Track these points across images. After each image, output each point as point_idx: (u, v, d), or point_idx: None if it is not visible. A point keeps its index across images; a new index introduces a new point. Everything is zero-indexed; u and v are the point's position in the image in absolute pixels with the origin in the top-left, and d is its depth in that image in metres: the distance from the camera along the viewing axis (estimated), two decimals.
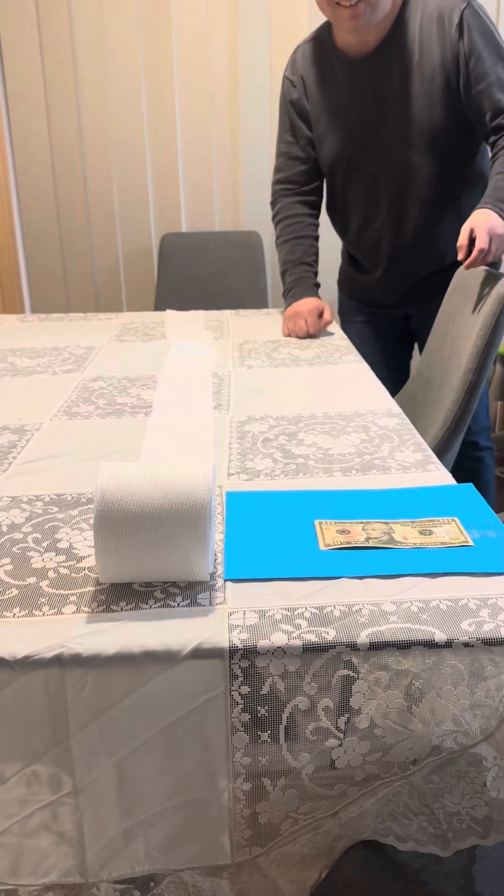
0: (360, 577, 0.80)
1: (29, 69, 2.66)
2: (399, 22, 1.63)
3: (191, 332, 1.93)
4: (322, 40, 1.75)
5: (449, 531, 0.88)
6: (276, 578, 0.81)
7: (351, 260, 1.96)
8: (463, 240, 1.46)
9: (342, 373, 1.54)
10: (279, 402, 1.35)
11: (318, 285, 1.90)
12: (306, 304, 1.82)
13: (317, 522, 0.91)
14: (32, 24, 2.61)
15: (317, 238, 1.91)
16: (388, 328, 1.96)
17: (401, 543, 0.86)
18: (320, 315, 1.81)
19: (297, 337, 1.82)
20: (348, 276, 2.00)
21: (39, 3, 2.59)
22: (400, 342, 2.00)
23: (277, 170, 1.91)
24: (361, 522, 0.91)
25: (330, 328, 1.92)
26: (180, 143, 2.76)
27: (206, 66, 2.67)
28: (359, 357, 1.66)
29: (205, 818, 0.73)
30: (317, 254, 1.91)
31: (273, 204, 1.94)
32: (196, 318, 2.08)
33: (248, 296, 2.79)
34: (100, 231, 2.86)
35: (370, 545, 0.86)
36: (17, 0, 2.59)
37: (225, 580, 0.81)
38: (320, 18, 2.64)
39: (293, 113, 1.82)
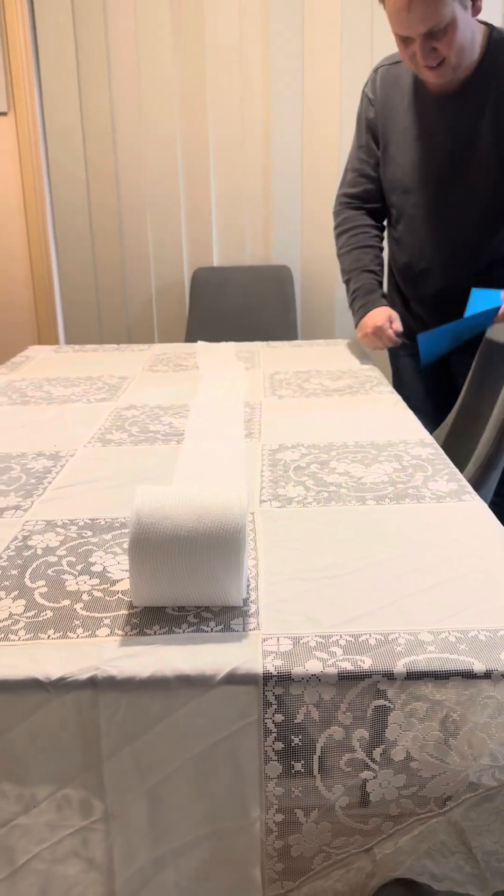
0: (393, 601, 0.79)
1: (67, 107, 2.75)
2: (486, 60, 1.58)
3: (222, 362, 1.94)
4: (406, 68, 1.69)
5: None
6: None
7: (398, 289, 1.92)
8: None
9: (374, 403, 1.54)
10: (311, 431, 1.36)
11: (384, 294, 1.86)
12: (379, 317, 1.78)
13: None
14: (72, 66, 2.70)
15: (381, 249, 1.88)
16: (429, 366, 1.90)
17: None
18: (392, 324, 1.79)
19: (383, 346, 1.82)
20: (393, 303, 1.93)
21: (80, 50, 2.68)
22: (442, 381, 1.92)
23: (346, 184, 1.89)
24: None
25: (362, 359, 1.92)
26: (213, 181, 2.82)
27: (239, 104, 2.74)
28: (390, 388, 1.66)
29: (236, 849, 0.72)
30: (381, 264, 1.88)
31: (336, 215, 1.91)
32: (227, 350, 2.10)
33: (277, 329, 2.81)
34: (133, 266, 2.91)
35: None
36: (57, 51, 2.68)
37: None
38: (351, 61, 2.71)
39: (367, 131, 1.81)
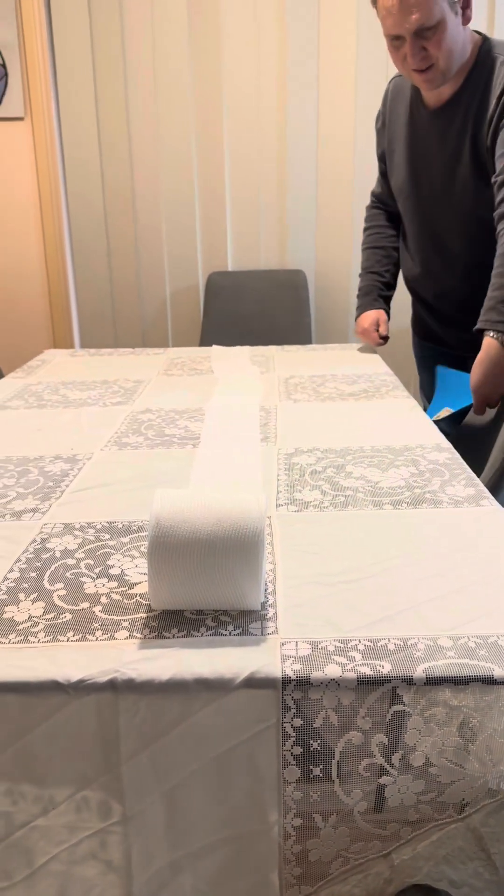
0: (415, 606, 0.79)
1: (83, 112, 2.77)
2: (473, 73, 1.58)
3: (237, 366, 1.95)
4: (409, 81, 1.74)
5: None
6: None
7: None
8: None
9: (389, 407, 1.54)
10: (326, 435, 1.36)
11: (384, 296, 1.99)
12: (365, 321, 1.97)
13: None
14: (88, 71, 2.72)
15: (395, 249, 1.99)
16: (444, 363, 1.95)
17: None
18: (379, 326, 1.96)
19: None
20: (413, 307, 2.05)
21: (96, 55, 2.70)
22: None
23: (376, 183, 2.02)
24: None
25: (377, 364, 1.93)
26: (228, 185, 2.82)
27: (254, 107, 2.75)
28: (406, 392, 1.65)
29: (254, 853, 0.72)
30: (393, 263, 1.99)
31: (365, 210, 2.07)
32: (242, 354, 2.10)
33: (292, 333, 2.81)
34: (149, 270, 2.92)
35: None
36: (74, 56, 2.70)
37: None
38: (367, 65, 2.71)
39: (378, 140, 1.92)
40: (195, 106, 2.75)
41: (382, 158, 1.92)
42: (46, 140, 2.76)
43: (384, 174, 1.94)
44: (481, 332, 1.55)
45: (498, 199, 1.54)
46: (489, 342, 1.52)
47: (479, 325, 1.54)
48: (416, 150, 1.74)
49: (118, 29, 2.68)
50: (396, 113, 1.80)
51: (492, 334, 1.51)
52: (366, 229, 2.04)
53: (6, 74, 2.70)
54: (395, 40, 1.54)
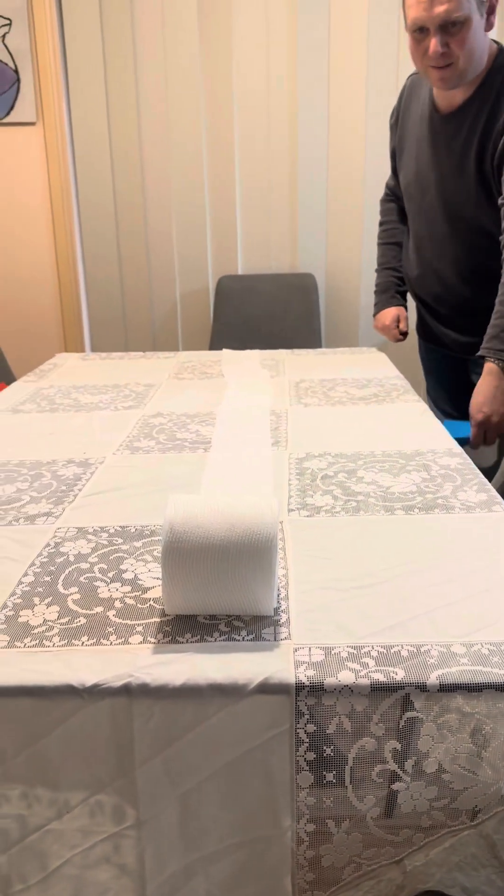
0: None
1: (95, 117, 2.78)
2: (485, 84, 1.57)
3: (247, 370, 1.95)
4: (424, 81, 1.74)
5: None
6: None
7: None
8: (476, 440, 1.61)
9: (400, 412, 1.54)
10: (337, 440, 1.36)
11: (402, 291, 2.01)
12: (386, 317, 1.98)
13: None
14: (99, 77, 2.73)
15: None
16: (445, 365, 1.96)
17: None
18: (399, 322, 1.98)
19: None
20: (416, 308, 2.06)
21: (107, 61, 2.71)
22: (460, 382, 1.99)
23: (390, 176, 2.02)
24: None
25: (387, 368, 1.93)
26: (238, 189, 2.83)
27: (265, 111, 2.75)
28: (417, 396, 1.65)
29: (267, 858, 0.72)
30: None
31: (380, 204, 2.08)
32: (252, 357, 2.11)
33: (301, 337, 2.82)
34: (159, 273, 2.93)
35: None
36: (86, 62, 2.72)
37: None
38: (377, 69, 2.72)
39: (390, 136, 1.92)
40: (206, 110, 2.75)
41: (394, 155, 1.92)
42: (58, 145, 2.78)
43: (395, 171, 1.94)
44: (483, 358, 1.56)
45: None
46: (490, 367, 1.54)
47: (480, 353, 1.56)
48: (423, 153, 1.74)
49: (129, 34, 2.69)
50: (410, 111, 1.79)
51: (493, 360, 1.53)
52: (381, 223, 2.04)
53: (18, 80, 2.71)
54: (417, 33, 1.51)
